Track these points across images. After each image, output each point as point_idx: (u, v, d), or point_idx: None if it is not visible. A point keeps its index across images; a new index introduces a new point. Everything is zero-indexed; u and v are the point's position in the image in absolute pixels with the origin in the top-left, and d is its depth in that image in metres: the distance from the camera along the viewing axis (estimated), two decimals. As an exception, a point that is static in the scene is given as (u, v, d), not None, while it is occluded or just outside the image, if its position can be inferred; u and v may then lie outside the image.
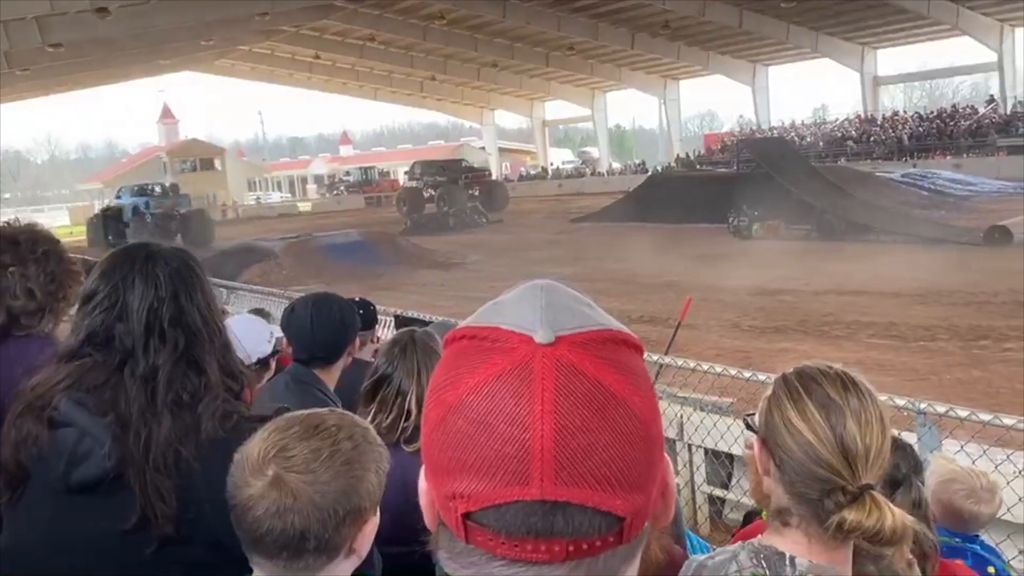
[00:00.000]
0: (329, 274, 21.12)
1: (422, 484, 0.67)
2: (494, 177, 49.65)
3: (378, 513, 1.39)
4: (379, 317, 4.19)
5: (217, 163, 63.51)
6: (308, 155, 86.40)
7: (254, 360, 2.78)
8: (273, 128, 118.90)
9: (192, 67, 54.36)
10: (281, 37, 46.81)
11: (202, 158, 62.51)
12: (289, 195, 72.58)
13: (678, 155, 50.04)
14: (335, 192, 61.93)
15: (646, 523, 0.64)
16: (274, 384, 2.77)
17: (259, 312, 4.64)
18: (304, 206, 59.14)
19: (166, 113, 70.57)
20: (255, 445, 1.32)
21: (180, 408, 1.51)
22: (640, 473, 0.62)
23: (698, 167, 43.33)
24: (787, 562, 1.31)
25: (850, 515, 1.25)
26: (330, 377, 2.73)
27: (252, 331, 2.93)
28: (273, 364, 3.01)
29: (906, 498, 1.91)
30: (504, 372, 0.61)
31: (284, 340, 3.08)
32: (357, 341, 2.77)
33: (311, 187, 72.49)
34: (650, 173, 43.11)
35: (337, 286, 15.59)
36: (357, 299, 3.65)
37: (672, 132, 55.00)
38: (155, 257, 1.61)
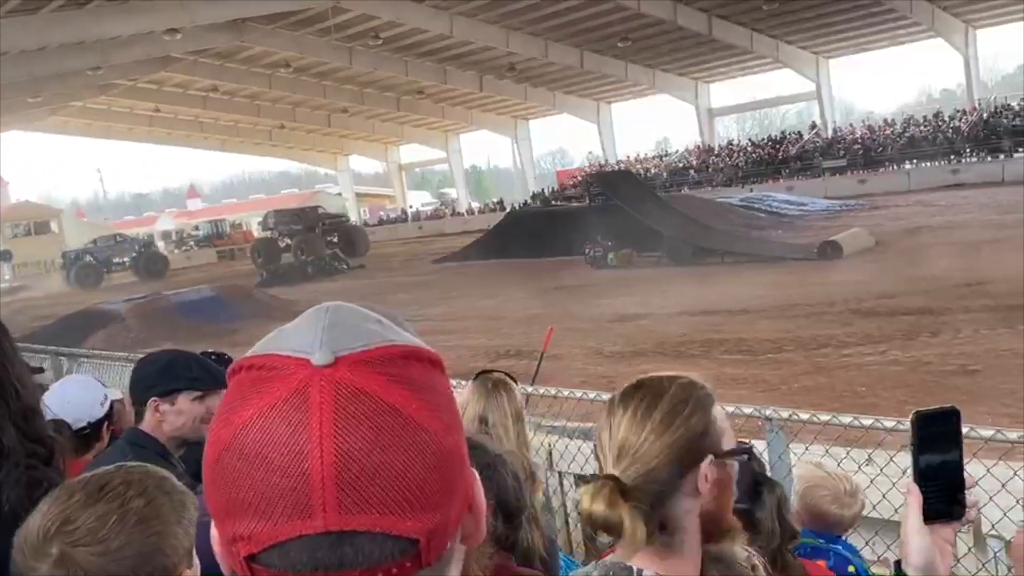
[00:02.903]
0: (182, 333, 20.12)
1: (212, 531, 0.62)
2: (352, 222, 49.16)
3: (195, 562, 1.30)
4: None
5: (53, 225, 59.71)
6: (154, 211, 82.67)
7: (83, 424, 2.60)
8: (115, 185, 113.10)
9: (20, 126, 51.19)
10: (117, 91, 44.95)
11: (36, 221, 58.68)
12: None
13: (534, 192, 51.17)
14: (184, 248, 59.50)
15: (449, 543, 0.61)
16: (111, 452, 2.58)
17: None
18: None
19: (-9, 175, 66.02)
20: (34, 521, 1.20)
21: None
22: (434, 491, 0.58)
23: (553, 202, 44.39)
24: (634, 575, 1.30)
25: (579, 494, 1.31)
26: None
27: (81, 394, 2.75)
28: (106, 435, 2.82)
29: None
30: (279, 400, 0.57)
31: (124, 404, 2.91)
32: (199, 405, 2.57)
33: (159, 244, 69.29)
34: (508, 211, 43.85)
35: (191, 345, 14.83)
36: (212, 352, 3.48)
37: (526, 170, 56.26)
38: None
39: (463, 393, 2.47)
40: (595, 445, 1.39)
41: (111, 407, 2.92)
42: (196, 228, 62.05)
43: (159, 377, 2.58)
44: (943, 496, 1.14)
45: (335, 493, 0.55)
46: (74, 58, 33.17)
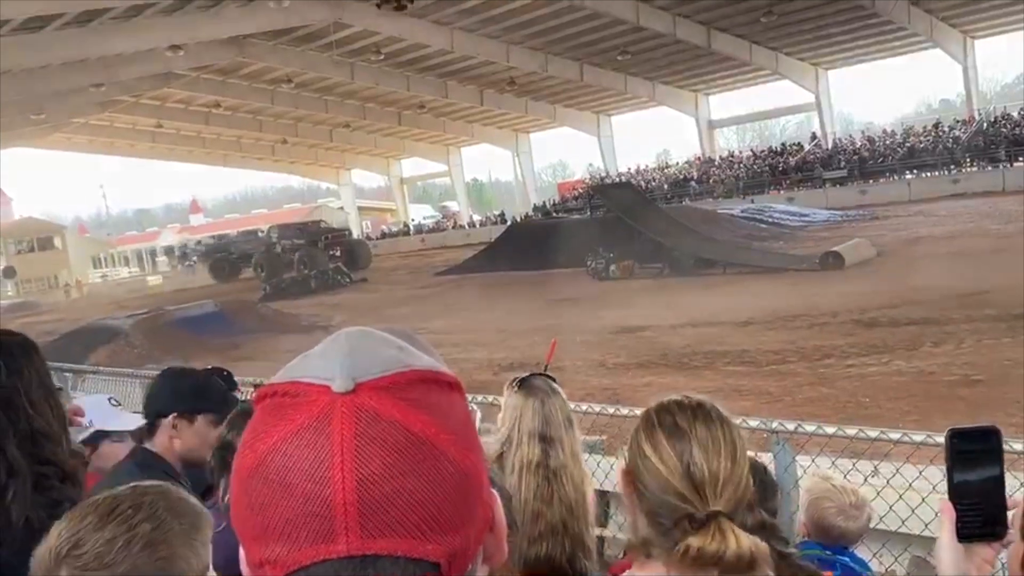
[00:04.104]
0: (185, 349, 20.14)
1: (240, 554, 0.65)
2: (355, 236, 49.30)
3: None
4: (240, 388, 4.01)
5: (57, 241, 60.12)
6: (157, 227, 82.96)
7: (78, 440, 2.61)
8: (117, 201, 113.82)
9: (23, 143, 51.39)
10: (120, 107, 45.10)
11: (40, 237, 59.05)
12: (138, 270, 69.30)
13: (535, 204, 51.28)
14: (187, 263, 59.71)
15: (470, 564, 0.63)
16: (119, 473, 2.60)
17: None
18: (154, 280, 56.61)
19: (-5, 192, 66.38)
20: (48, 543, 1.22)
21: None
22: (454, 514, 0.60)
23: (554, 215, 44.51)
24: None
25: (694, 541, 1.24)
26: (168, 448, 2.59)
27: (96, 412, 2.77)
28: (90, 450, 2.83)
29: (753, 522, 1.99)
30: (302, 427, 0.59)
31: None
32: (213, 431, 2.59)
33: (161, 260, 69.54)
34: (509, 223, 43.93)
35: (195, 360, 14.93)
36: (211, 369, 3.51)
37: (527, 183, 56.34)
38: None
39: (508, 405, 2.30)
40: (646, 464, 1.33)
41: (94, 435, 2.89)
42: (199, 243, 62.27)
43: (190, 394, 2.61)
44: (982, 515, 1.12)
45: (357, 518, 0.57)
46: (77, 75, 33.38)
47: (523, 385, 2.30)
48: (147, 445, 2.61)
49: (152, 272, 64.58)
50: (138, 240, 77.04)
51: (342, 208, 66.19)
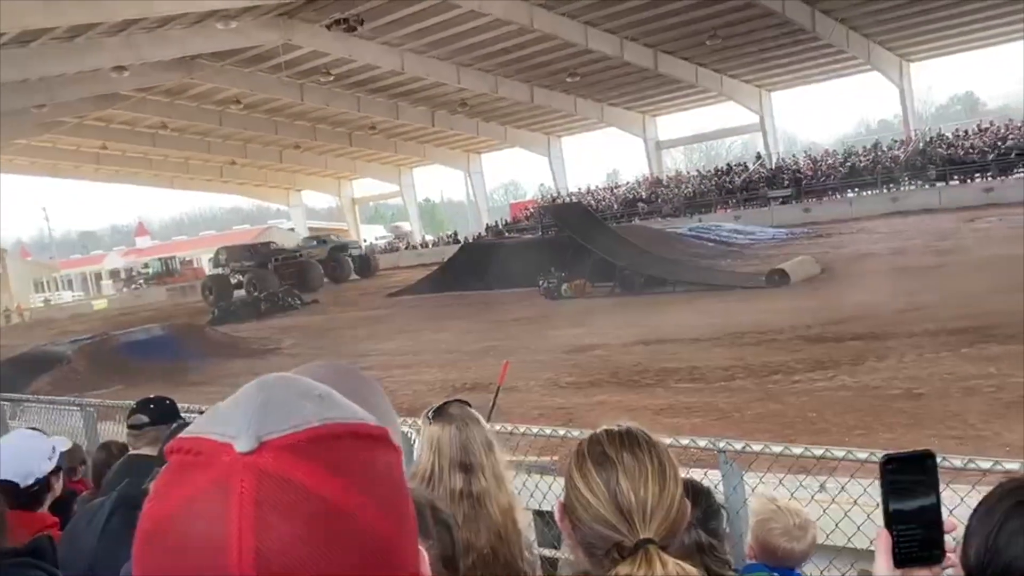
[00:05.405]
0: (132, 374, 19.70)
1: None
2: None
3: None
4: (188, 416, 3.94)
5: (-3, 265, 58.21)
6: (102, 249, 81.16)
7: (31, 481, 2.55)
8: (61, 223, 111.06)
9: (-39, 165, 49.90)
10: (63, 129, 44.07)
11: (-22, 262, 57.13)
12: (82, 293, 67.62)
13: (487, 224, 51.36)
14: (133, 286, 58.43)
15: None
16: (95, 512, 2.41)
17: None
18: (99, 303, 55.24)
19: (-71, 216, 64.26)
20: None
21: None
22: None
23: (506, 235, 44.62)
24: None
25: (622, 570, 1.24)
26: None
27: (24, 450, 2.68)
28: (57, 484, 2.77)
29: (689, 542, 2.02)
30: (200, 491, 0.54)
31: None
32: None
33: (107, 283, 67.97)
34: (462, 243, 43.92)
35: (143, 387, 14.60)
36: (151, 398, 3.43)
37: (479, 203, 56.42)
38: None
39: (425, 436, 2.25)
40: (585, 494, 1.34)
41: (60, 457, 2.87)
42: (145, 266, 61.06)
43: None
44: (919, 540, 1.11)
45: None
46: (17, 96, 32.53)
47: (438, 414, 2.27)
48: None
49: (97, 296, 63.00)
50: (83, 263, 75.24)
51: (292, 229, 65.51)
